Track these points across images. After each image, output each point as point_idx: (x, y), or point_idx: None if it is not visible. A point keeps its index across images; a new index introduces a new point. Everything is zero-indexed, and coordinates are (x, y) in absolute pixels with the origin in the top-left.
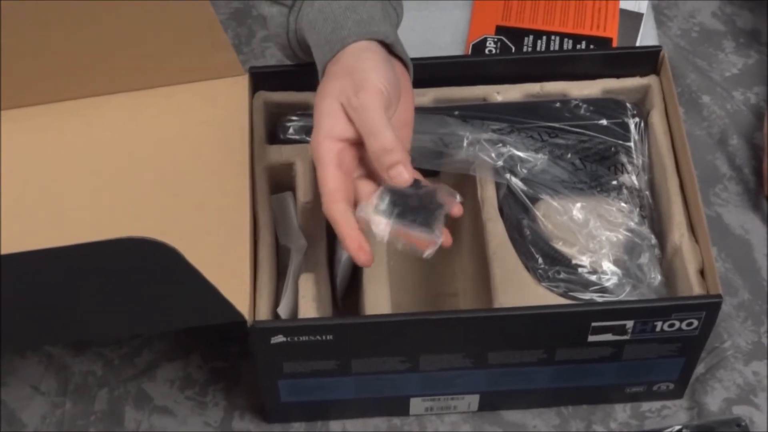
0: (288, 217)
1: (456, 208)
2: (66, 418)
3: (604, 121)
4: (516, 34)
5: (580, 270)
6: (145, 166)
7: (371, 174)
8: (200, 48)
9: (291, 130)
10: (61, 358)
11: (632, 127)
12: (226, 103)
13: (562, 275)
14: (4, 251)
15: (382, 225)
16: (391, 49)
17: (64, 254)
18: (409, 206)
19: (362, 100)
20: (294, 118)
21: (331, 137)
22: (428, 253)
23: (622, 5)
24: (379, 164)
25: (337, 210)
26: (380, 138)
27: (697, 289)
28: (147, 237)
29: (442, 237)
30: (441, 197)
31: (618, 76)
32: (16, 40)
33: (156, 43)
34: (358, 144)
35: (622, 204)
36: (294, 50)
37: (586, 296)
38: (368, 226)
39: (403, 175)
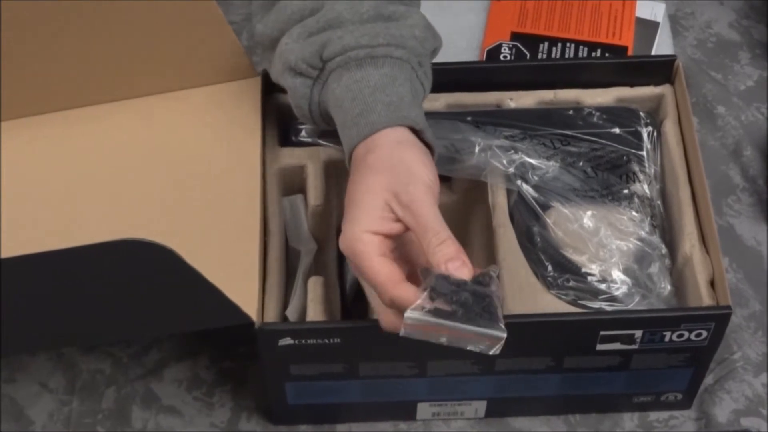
0: (298, 220)
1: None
2: (73, 415)
3: (616, 130)
4: (531, 41)
5: (589, 278)
6: (158, 168)
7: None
8: (211, 51)
9: (303, 133)
10: (70, 356)
11: (645, 136)
12: (238, 106)
13: (572, 283)
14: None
15: (440, 328)
16: (420, 135)
17: (64, 257)
18: (463, 301)
19: (413, 196)
20: None
21: (370, 231)
22: (495, 350)
23: (639, 13)
24: (435, 259)
25: (405, 289)
26: (436, 233)
27: (706, 300)
28: (143, 238)
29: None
30: (491, 282)
31: (632, 85)
32: (30, 50)
33: (167, 47)
34: (392, 238)
35: (633, 213)
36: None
37: (595, 305)
38: (421, 331)
39: (463, 270)
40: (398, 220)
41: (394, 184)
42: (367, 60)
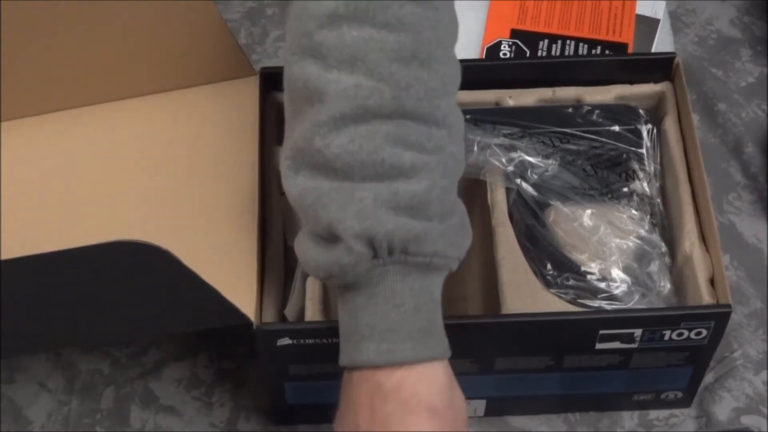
0: (297, 219)
1: None
2: (72, 415)
3: (616, 128)
4: (531, 38)
5: (589, 277)
6: (156, 168)
7: None
8: (209, 50)
9: None
10: (69, 356)
11: (645, 133)
12: (236, 105)
13: (571, 282)
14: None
15: None
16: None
17: (63, 258)
18: None
19: None
20: None
21: None
22: None
23: (639, 10)
24: None
25: None
26: None
27: (706, 298)
28: (141, 240)
29: None
30: None
31: (632, 82)
32: (30, 50)
33: (165, 46)
34: None
35: (633, 211)
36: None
37: (595, 304)
38: None
39: None
40: None
41: None
42: (429, 267)
